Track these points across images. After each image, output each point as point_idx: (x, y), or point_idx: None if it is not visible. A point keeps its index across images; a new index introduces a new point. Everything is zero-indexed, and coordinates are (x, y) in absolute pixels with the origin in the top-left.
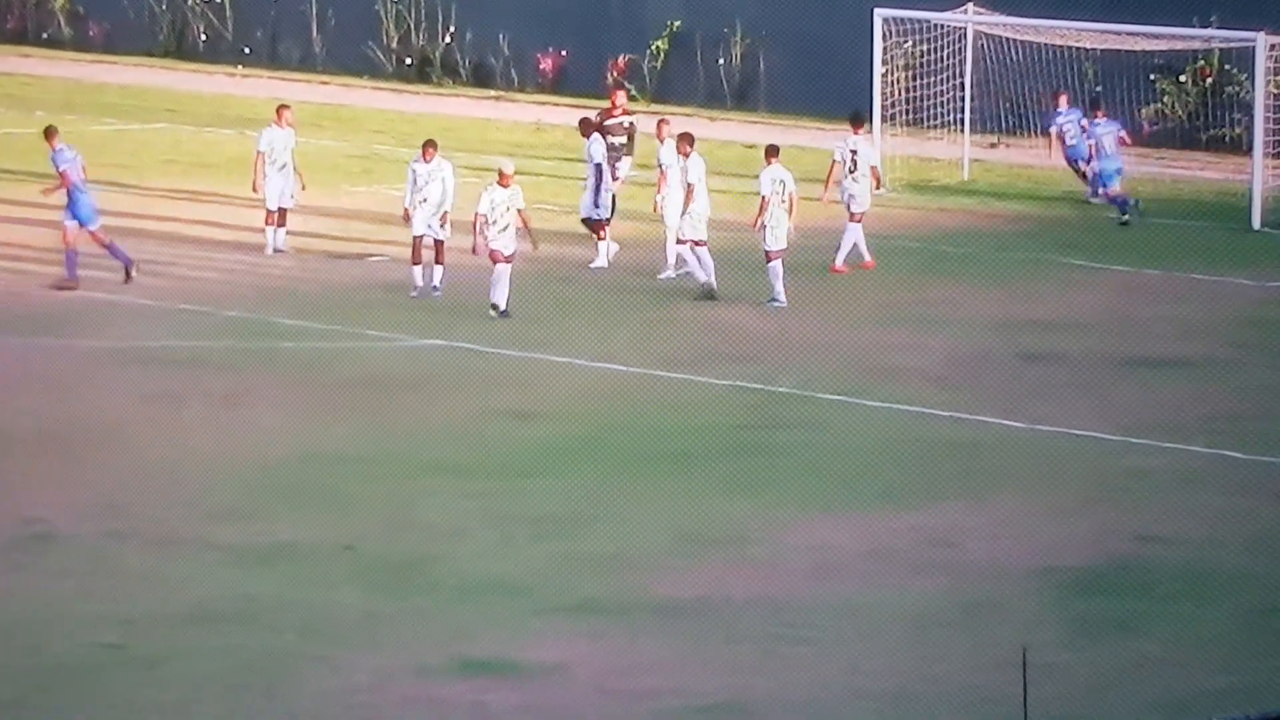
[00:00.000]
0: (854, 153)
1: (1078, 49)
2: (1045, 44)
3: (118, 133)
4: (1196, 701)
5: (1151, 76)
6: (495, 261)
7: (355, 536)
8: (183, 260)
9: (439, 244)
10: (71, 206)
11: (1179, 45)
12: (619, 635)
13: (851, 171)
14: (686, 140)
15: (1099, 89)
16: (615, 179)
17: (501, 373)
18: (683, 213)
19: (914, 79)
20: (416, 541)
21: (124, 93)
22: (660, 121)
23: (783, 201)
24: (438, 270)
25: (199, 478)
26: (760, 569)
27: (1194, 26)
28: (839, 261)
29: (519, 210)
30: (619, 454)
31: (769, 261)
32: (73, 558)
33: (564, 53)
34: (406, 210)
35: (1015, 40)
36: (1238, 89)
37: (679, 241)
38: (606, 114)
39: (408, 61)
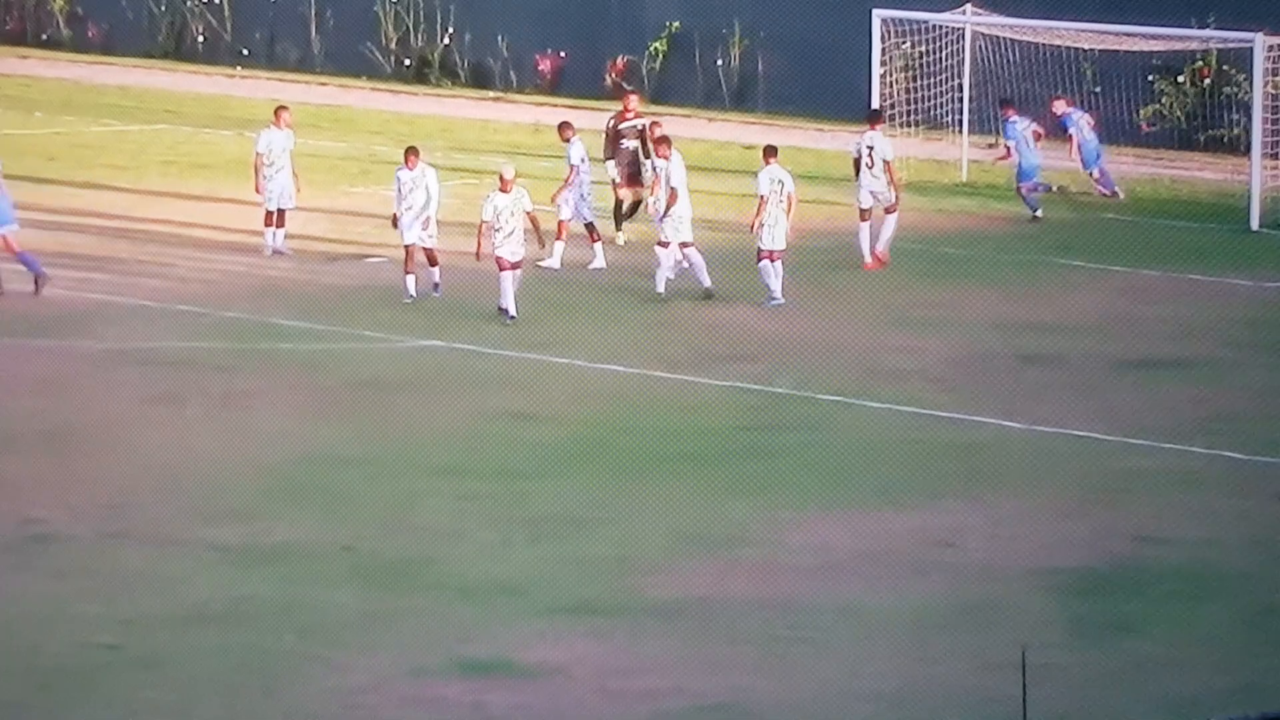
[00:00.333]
0: (870, 149)
1: (1076, 50)
2: (1043, 45)
3: (116, 134)
4: (1196, 701)
5: (1150, 77)
6: (501, 269)
7: (354, 537)
8: (181, 261)
9: (429, 251)
10: None
11: (1177, 46)
12: (619, 636)
13: (869, 167)
14: (665, 143)
15: (1007, 92)
16: (639, 183)
17: (501, 374)
18: (664, 215)
19: (912, 80)
20: (415, 542)
21: (123, 94)
22: (652, 124)
23: (781, 201)
24: (434, 271)
25: (198, 478)
26: (760, 570)
27: (1192, 27)
28: (881, 249)
29: (527, 213)
30: (618, 455)
31: (759, 260)
32: (71, 558)
33: (562, 54)
34: (394, 215)
35: (1013, 41)
36: (1236, 89)
37: (661, 245)
38: (620, 118)
39: (406, 63)
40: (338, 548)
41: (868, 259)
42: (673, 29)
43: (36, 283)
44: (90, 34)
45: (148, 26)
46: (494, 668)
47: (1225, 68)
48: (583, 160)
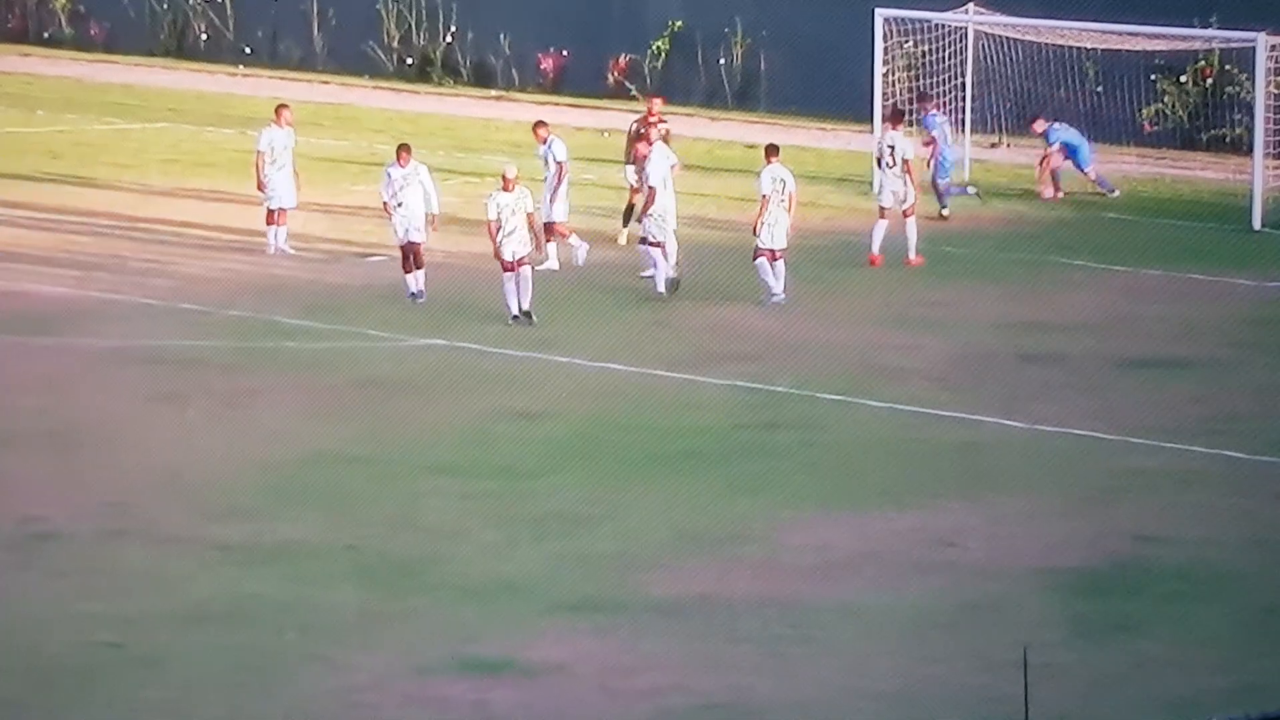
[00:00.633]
0: (891, 148)
1: (1078, 49)
2: (1046, 44)
3: (119, 132)
4: (1197, 701)
5: (1152, 76)
6: (504, 270)
7: (356, 536)
8: (184, 260)
9: (417, 250)
10: None
11: (1179, 45)
12: (621, 634)
13: (890, 166)
14: (647, 141)
15: (925, 90)
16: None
17: (503, 373)
18: (643, 214)
19: (915, 79)
20: (418, 541)
21: (125, 92)
22: (644, 121)
23: (782, 200)
24: (418, 275)
25: (200, 477)
26: (761, 569)
27: (1194, 27)
28: (913, 255)
29: (528, 214)
30: (620, 454)
31: (756, 258)
32: (73, 557)
33: (565, 53)
34: (385, 204)
35: (1016, 40)
36: (1238, 89)
37: (643, 242)
38: (644, 120)
39: (408, 61)
40: (340, 546)
41: (875, 252)
42: (675, 27)
43: None
44: (92, 32)
45: (150, 25)
46: (496, 666)
47: (1227, 67)
48: (567, 157)
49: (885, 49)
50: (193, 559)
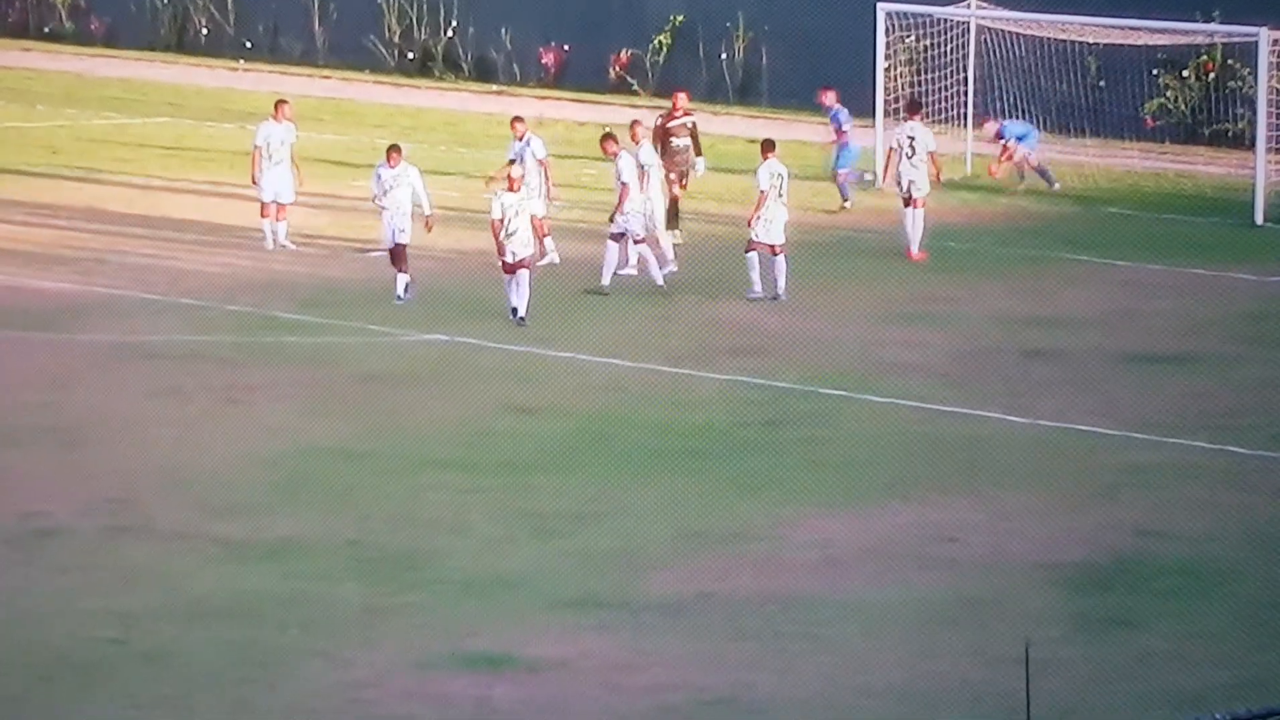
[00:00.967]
0: (911, 139)
1: (1080, 43)
2: (1048, 38)
3: (119, 127)
4: (1198, 696)
5: (1154, 71)
6: (505, 270)
7: (357, 531)
8: (184, 254)
9: (400, 249)
10: None
11: (1182, 40)
12: (623, 630)
13: (910, 157)
14: (614, 139)
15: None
16: (684, 186)
17: (504, 368)
18: (615, 213)
19: (917, 73)
20: (419, 536)
21: (125, 87)
22: (634, 123)
23: (780, 195)
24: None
25: (201, 472)
26: (763, 564)
27: (1197, 21)
28: (915, 249)
29: (532, 215)
30: (622, 449)
31: (748, 251)
32: (74, 552)
33: (566, 47)
34: (376, 197)
35: (1018, 34)
36: (1240, 84)
37: (637, 241)
38: (669, 115)
39: (410, 56)
40: (341, 542)
41: (914, 249)
42: (676, 22)
43: None
44: (93, 26)
45: (150, 19)
46: (497, 662)
47: (1230, 62)
48: (546, 154)
49: (887, 43)
50: (194, 554)
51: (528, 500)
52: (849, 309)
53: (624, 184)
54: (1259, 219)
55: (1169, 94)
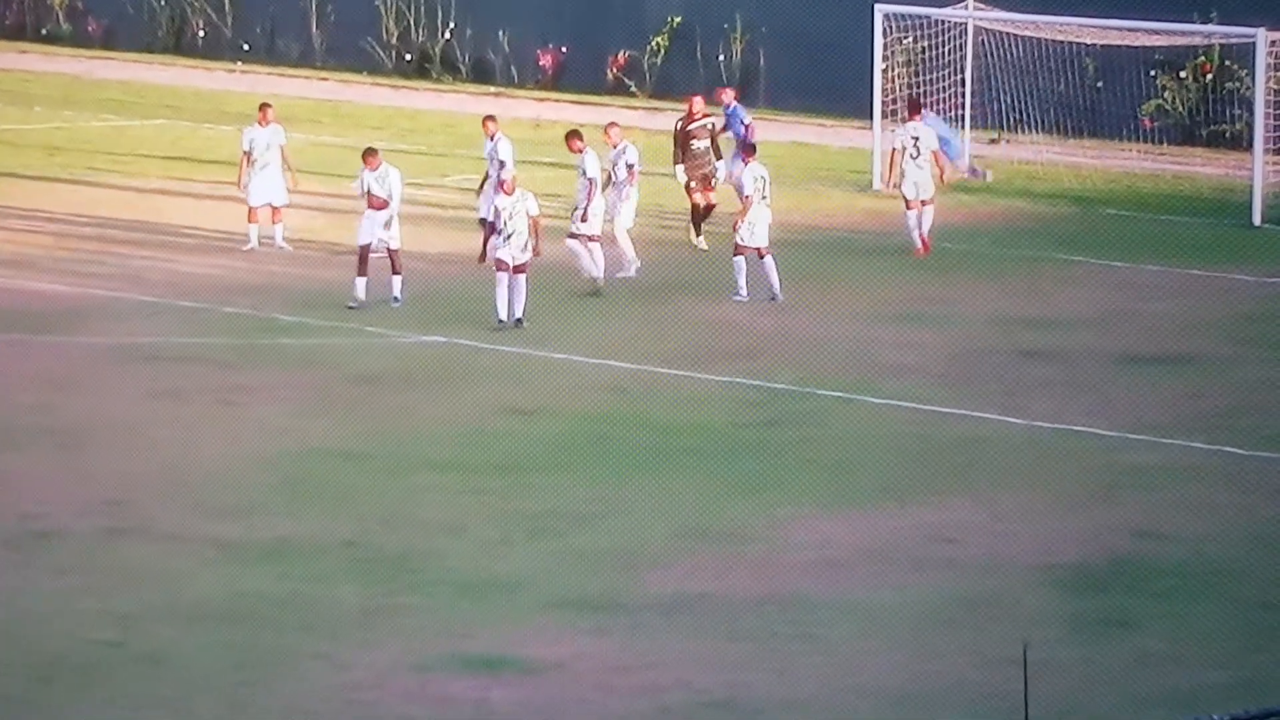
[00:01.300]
0: (915, 139)
1: (1078, 44)
2: (1046, 40)
3: (117, 129)
4: (1196, 696)
5: (1152, 72)
6: (499, 270)
7: (355, 532)
8: (182, 257)
9: (393, 252)
10: None
11: (1179, 41)
12: (620, 631)
13: (914, 157)
14: (577, 136)
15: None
16: (712, 188)
17: (501, 369)
18: (580, 209)
19: (914, 75)
20: (416, 537)
21: (123, 89)
22: (610, 125)
23: (764, 198)
24: (395, 281)
25: (199, 474)
26: (760, 565)
27: (1194, 22)
28: (919, 243)
29: (533, 217)
30: (619, 451)
31: (736, 255)
32: (72, 554)
33: (564, 49)
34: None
35: (1016, 36)
36: (1238, 85)
37: (571, 236)
38: (688, 118)
39: (407, 57)
40: (339, 543)
41: (919, 245)
42: (674, 24)
43: None
44: (90, 29)
45: (148, 21)
46: (495, 663)
47: (1227, 63)
48: (511, 156)
49: (885, 45)
50: (192, 556)
51: (525, 501)
52: (845, 310)
53: (590, 180)
54: (1256, 220)
55: (1166, 95)
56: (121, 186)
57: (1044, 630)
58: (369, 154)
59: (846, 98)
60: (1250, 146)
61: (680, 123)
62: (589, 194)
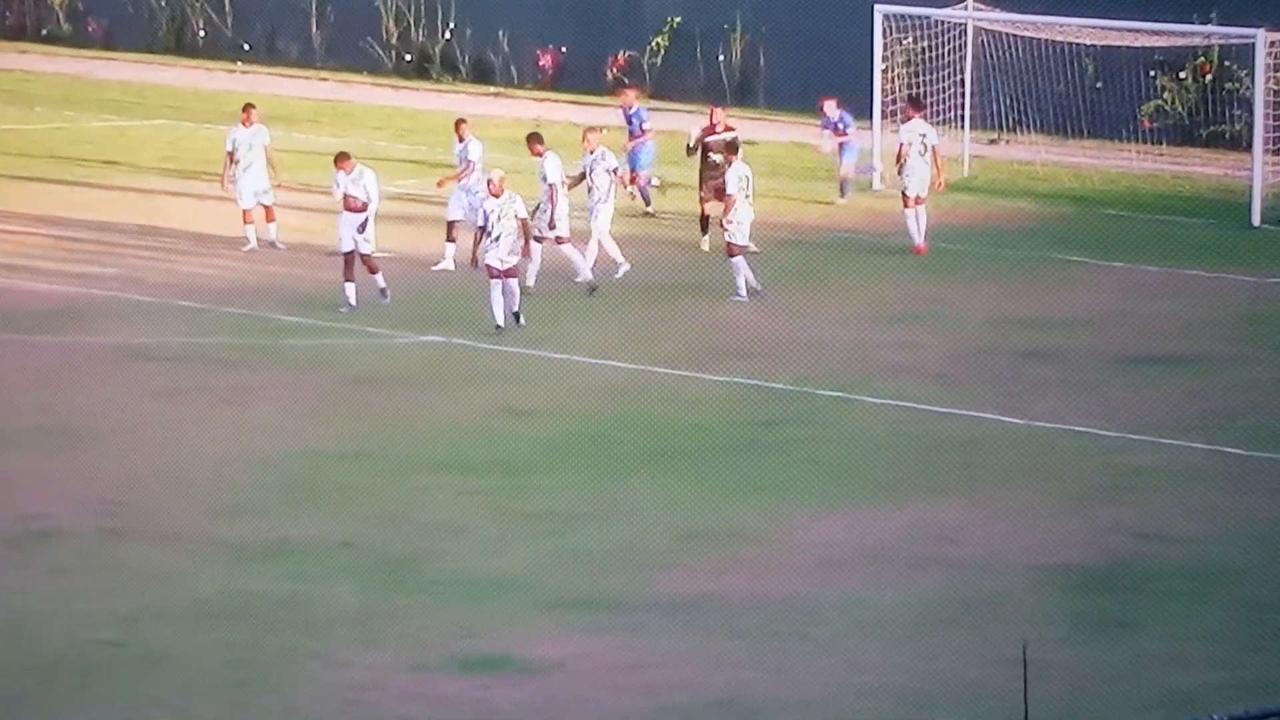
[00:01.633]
0: (923, 135)
1: (1077, 45)
2: (1045, 40)
3: (117, 129)
4: (1195, 697)
5: (1151, 73)
6: (490, 276)
7: (354, 533)
8: (182, 257)
9: (365, 256)
10: None
11: (1179, 42)
12: (620, 631)
13: (921, 154)
14: (537, 139)
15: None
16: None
17: (501, 370)
18: (537, 211)
19: (914, 75)
20: (416, 538)
21: (123, 89)
22: (588, 131)
23: (747, 197)
24: (377, 278)
25: (199, 474)
26: (760, 565)
27: (1194, 23)
28: (920, 241)
29: (522, 220)
30: (618, 451)
31: (732, 256)
32: (72, 554)
33: (563, 49)
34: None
35: (1015, 36)
36: (1237, 85)
37: (537, 239)
38: (709, 129)
39: (407, 57)
40: (338, 543)
41: (919, 242)
42: (674, 24)
43: None
44: (90, 29)
45: (148, 21)
46: (495, 663)
47: (1227, 64)
48: (481, 158)
49: (884, 45)
50: (192, 556)
51: (524, 501)
52: (844, 310)
53: (550, 185)
54: (1256, 220)
55: (1166, 95)
56: (122, 187)
57: (1043, 630)
58: (342, 157)
59: (846, 98)
60: (1249, 147)
61: (701, 133)
62: (551, 198)
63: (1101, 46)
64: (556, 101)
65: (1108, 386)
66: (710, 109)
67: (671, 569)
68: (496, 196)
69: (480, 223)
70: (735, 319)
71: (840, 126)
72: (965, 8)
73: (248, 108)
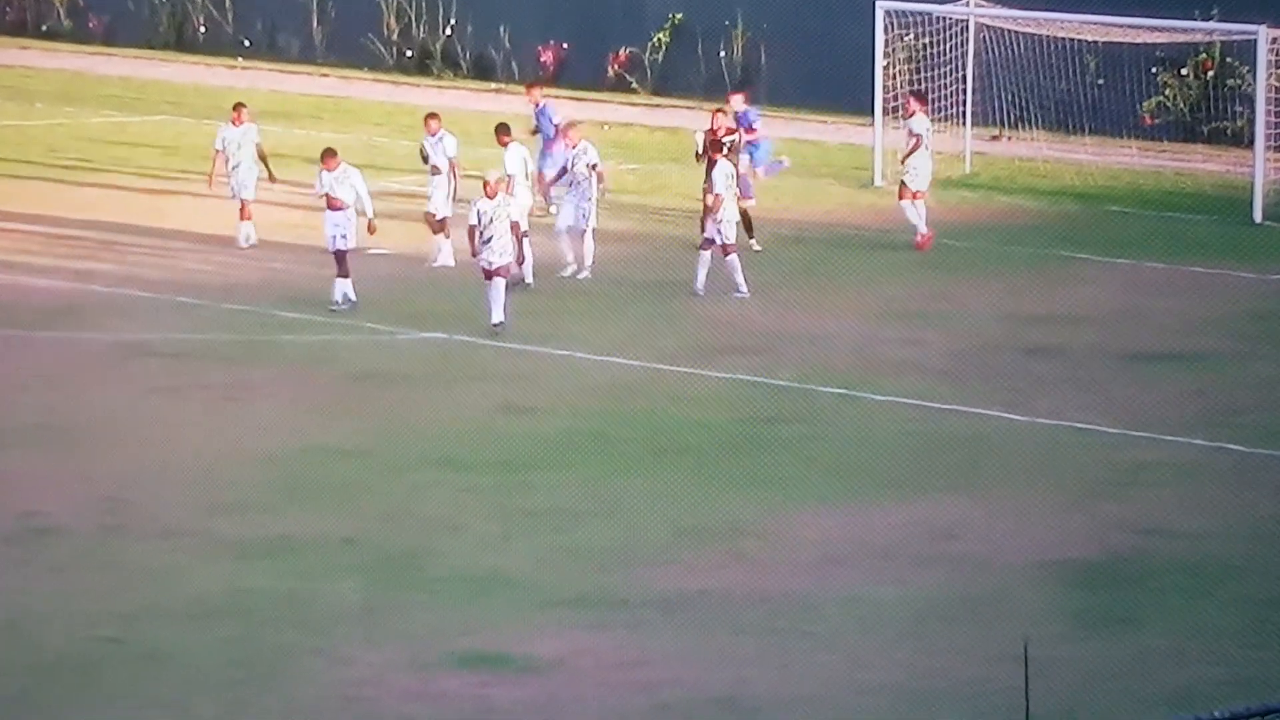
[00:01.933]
0: (929, 129)
1: (1079, 41)
2: (1047, 37)
3: (117, 125)
4: (1197, 693)
5: (1153, 69)
6: (486, 276)
7: (355, 529)
8: (182, 253)
9: (341, 254)
10: None
11: (1180, 38)
12: (620, 628)
13: (927, 147)
14: (504, 131)
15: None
16: (746, 195)
17: (501, 366)
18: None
19: (916, 72)
20: (416, 534)
21: (124, 85)
22: (567, 125)
23: (735, 195)
24: (343, 283)
25: (198, 471)
26: (761, 562)
27: (1196, 19)
28: (923, 229)
29: (513, 222)
30: (619, 447)
31: (726, 255)
32: (72, 551)
33: (565, 45)
34: (327, 197)
35: (1017, 33)
36: (1239, 82)
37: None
38: (711, 134)
39: (408, 54)
40: (338, 540)
41: (924, 230)
42: (675, 20)
43: None
44: (91, 25)
45: (149, 17)
46: (495, 660)
47: (1228, 60)
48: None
49: (886, 42)
50: (192, 553)
51: (525, 498)
52: (847, 307)
53: (510, 176)
54: (1258, 217)
55: (1168, 92)
56: (122, 183)
57: (1046, 627)
58: (327, 155)
59: (847, 94)
60: (1251, 143)
61: (705, 135)
62: (507, 187)
63: (1103, 43)
64: (558, 98)
65: (1111, 383)
66: (714, 114)
67: (672, 565)
68: (491, 198)
69: (472, 221)
70: (737, 315)
71: (747, 123)
72: (967, 4)
73: (238, 106)
